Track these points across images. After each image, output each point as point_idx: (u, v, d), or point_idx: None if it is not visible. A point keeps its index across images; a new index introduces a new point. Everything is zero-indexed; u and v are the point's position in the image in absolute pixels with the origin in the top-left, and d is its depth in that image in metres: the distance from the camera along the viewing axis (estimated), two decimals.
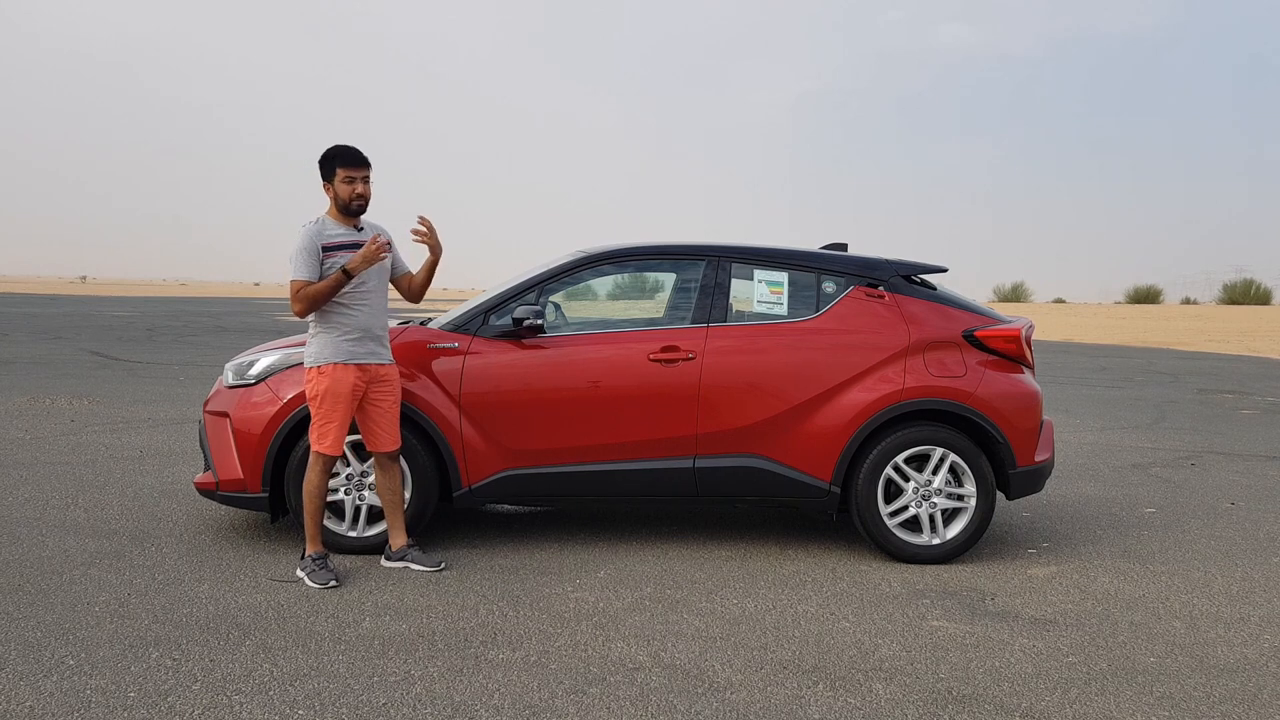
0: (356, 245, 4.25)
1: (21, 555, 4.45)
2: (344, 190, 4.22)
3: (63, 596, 3.91)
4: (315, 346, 4.24)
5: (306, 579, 4.15)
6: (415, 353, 4.68)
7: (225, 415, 4.70)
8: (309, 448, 4.56)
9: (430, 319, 5.01)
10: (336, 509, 4.63)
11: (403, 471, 4.60)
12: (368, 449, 4.39)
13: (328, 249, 4.20)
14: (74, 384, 11.12)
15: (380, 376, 4.32)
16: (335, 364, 4.20)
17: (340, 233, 4.26)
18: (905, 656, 3.54)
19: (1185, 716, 3.11)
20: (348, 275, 4.16)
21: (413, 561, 4.39)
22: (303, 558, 4.27)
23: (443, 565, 4.40)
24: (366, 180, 4.26)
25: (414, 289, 4.54)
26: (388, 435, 4.35)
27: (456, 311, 4.92)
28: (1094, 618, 4.01)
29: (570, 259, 4.99)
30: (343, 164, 4.22)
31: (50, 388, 10.67)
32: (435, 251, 4.41)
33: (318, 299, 4.16)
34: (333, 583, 4.13)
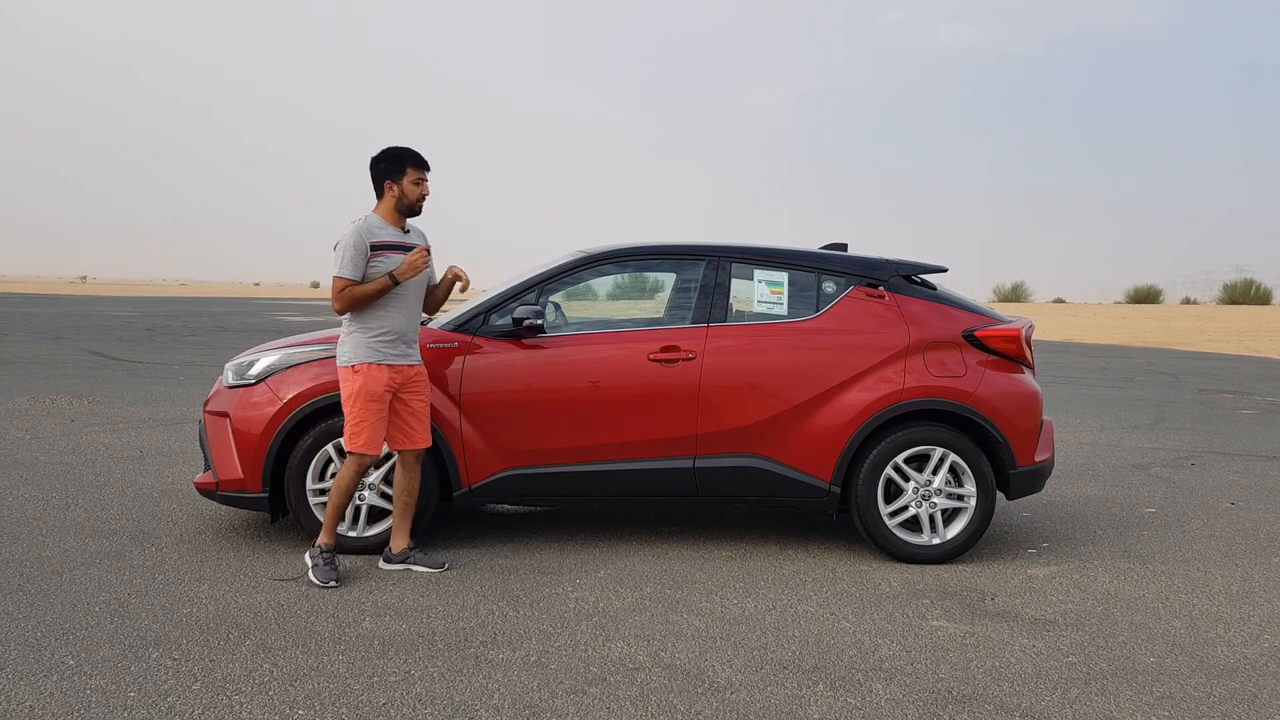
0: (404, 247, 4.28)
1: (21, 555, 4.45)
2: (413, 191, 4.28)
3: (63, 596, 3.91)
4: (349, 346, 4.25)
5: (310, 572, 4.16)
6: None
7: (225, 415, 4.70)
8: (308, 448, 4.56)
9: (431, 319, 5.01)
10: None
11: None
12: (395, 449, 4.37)
13: (376, 248, 4.21)
14: (74, 384, 11.12)
15: (411, 378, 4.34)
16: (369, 364, 4.20)
17: (389, 233, 4.28)
18: (905, 656, 3.54)
19: (1185, 716, 3.11)
20: (394, 282, 4.19)
21: (415, 564, 4.38)
22: (313, 545, 4.30)
23: (446, 565, 4.40)
24: (426, 181, 4.34)
25: (433, 301, 4.55)
26: (420, 433, 4.36)
27: (457, 311, 4.92)
28: (1094, 618, 4.01)
29: (570, 259, 4.99)
30: (414, 165, 4.28)
31: (50, 388, 10.67)
32: (464, 284, 4.46)
33: (361, 301, 4.18)
34: (333, 583, 4.12)
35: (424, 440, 4.38)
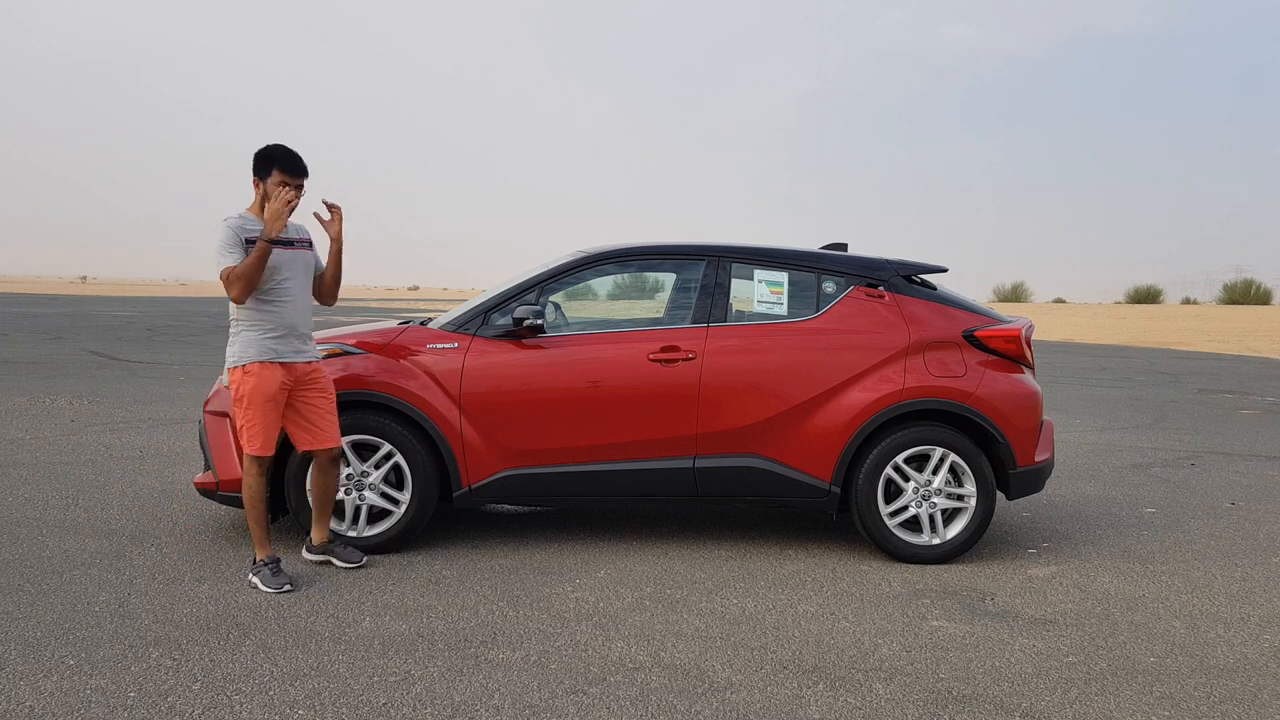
0: (279, 241, 4.14)
1: (21, 555, 4.45)
2: (276, 194, 4.10)
3: (63, 596, 3.91)
4: (239, 345, 4.14)
5: (260, 585, 4.05)
6: (415, 352, 4.69)
7: (225, 415, 4.70)
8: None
9: (430, 319, 5.01)
10: (337, 509, 4.63)
11: (402, 471, 4.61)
12: (302, 449, 4.29)
13: (250, 243, 4.10)
14: (74, 384, 11.12)
15: (306, 375, 4.25)
16: (260, 362, 4.12)
17: (261, 229, 4.13)
18: (905, 656, 3.54)
19: (1185, 716, 3.11)
20: (270, 243, 4.04)
21: (335, 557, 4.37)
22: (254, 563, 4.18)
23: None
24: (300, 189, 4.16)
25: (324, 286, 4.39)
26: (325, 432, 4.26)
27: (456, 311, 4.92)
28: (1094, 618, 4.01)
29: (570, 259, 4.99)
30: (281, 168, 4.12)
31: (50, 388, 10.67)
32: (335, 240, 4.28)
33: (250, 276, 4.04)
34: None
35: (330, 440, 4.28)
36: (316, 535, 4.45)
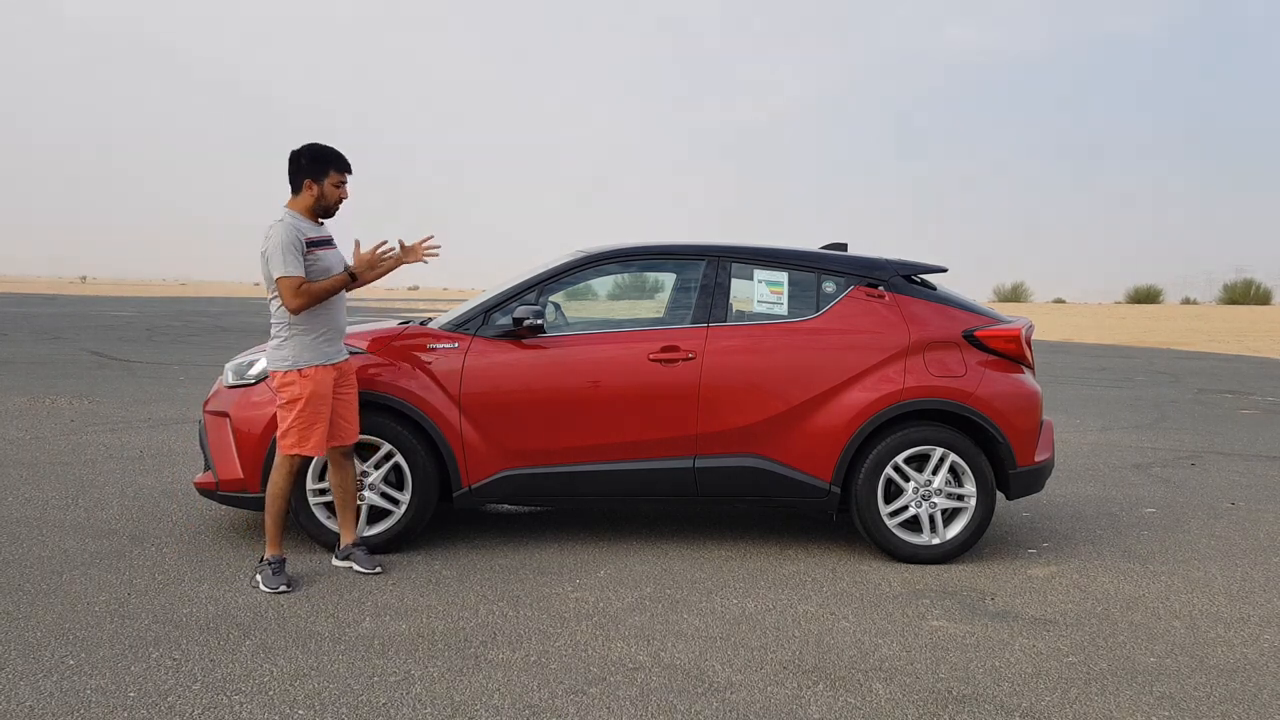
0: (330, 242, 4.28)
1: (21, 555, 4.45)
2: (333, 193, 4.22)
3: (63, 596, 3.91)
4: (292, 349, 4.16)
5: (260, 583, 4.08)
6: (415, 352, 4.69)
7: (225, 415, 4.70)
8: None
9: (430, 319, 5.01)
10: (332, 508, 4.63)
11: (402, 471, 4.61)
12: (331, 444, 4.31)
13: (310, 244, 4.18)
14: (74, 384, 11.12)
15: (345, 372, 4.33)
16: (316, 366, 4.18)
17: (313, 230, 4.23)
18: (905, 656, 3.54)
19: (1185, 716, 3.11)
20: (353, 279, 4.20)
21: (355, 562, 4.37)
22: (261, 560, 4.21)
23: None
24: (346, 185, 4.29)
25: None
26: (350, 429, 4.33)
27: (457, 311, 4.92)
28: (1094, 618, 4.01)
29: (570, 259, 4.99)
30: (337, 168, 4.23)
31: (50, 388, 10.67)
32: (389, 268, 4.44)
33: (320, 297, 4.14)
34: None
35: (353, 436, 4.36)
36: (343, 536, 4.45)
